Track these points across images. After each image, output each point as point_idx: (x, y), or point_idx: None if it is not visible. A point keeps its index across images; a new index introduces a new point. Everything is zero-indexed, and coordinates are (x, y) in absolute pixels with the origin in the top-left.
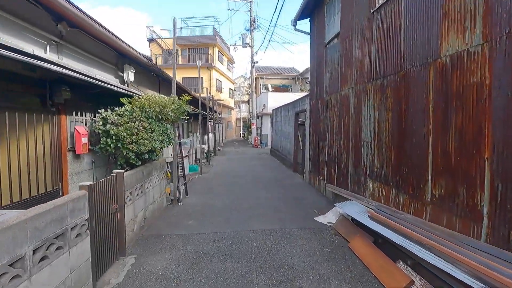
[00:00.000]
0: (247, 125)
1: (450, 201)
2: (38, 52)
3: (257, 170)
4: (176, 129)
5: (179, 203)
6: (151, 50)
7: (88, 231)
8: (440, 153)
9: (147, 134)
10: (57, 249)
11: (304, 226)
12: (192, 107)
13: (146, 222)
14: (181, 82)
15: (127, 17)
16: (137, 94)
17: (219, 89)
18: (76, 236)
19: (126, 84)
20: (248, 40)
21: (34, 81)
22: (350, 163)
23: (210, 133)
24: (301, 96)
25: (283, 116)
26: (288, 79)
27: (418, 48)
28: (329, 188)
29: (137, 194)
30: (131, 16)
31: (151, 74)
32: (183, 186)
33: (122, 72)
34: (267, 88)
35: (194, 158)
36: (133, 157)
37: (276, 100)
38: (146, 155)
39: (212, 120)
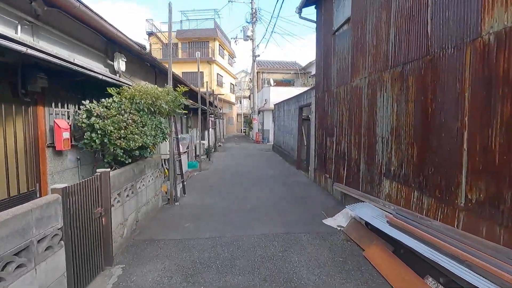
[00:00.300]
0: (248, 121)
1: (493, 208)
2: (6, 31)
3: (259, 167)
4: (173, 124)
5: (175, 203)
6: (150, 44)
7: (62, 242)
8: (479, 150)
9: (137, 128)
10: (17, 267)
11: (311, 230)
12: (191, 102)
13: (138, 225)
14: (181, 77)
15: (127, 12)
16: (127, 84)
17: (220, 84)
18: (46, 249)
19: (118, 74)
20: (249, 33)
21: (1, 66)
22: (362, 161)
23: (210, 129)
24: (304, 90)
25: (286, 111)
26: (290, 73)
27: (450, 27)
28: (337, 188)
29: (127, 195)
30: (131, 10)
31: (146, 65)
32: (181, 185)
33: (113, 61)
34: (269, 82)
35: (194, 154)
36: (121, 154)
37: (278, 94)
38: (137, 152)
39: (212, 115)
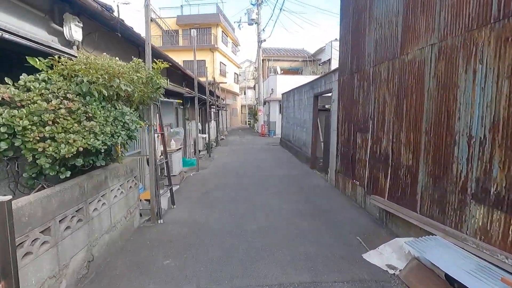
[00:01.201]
0: (253, 112)
1: None
2: None
3: (266, 165)
4: (157, 115)
5: (159, 221)
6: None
7: None
8: None
9: (77, 123)
10: None
11: (350, 275)
12: (187, 89)
13: (93, 266)
14: (182, 65)
15: None
16: (69, 55)
17: (223, 73)
18: None
19: (72, 47)
20: (254, 16)
21: None
22: (422, 170)
23: (212, 121)
24: (319, 76)
25: (296, 101)
26: (298, 60)
27: None
28: (375, 202)
29: (68, 227)
30: None
31: (124, 39)
32: (169, 193)
33: (62, 26)
34: (275, 71)
35: (193, 150)
36: (48, 165)
37: (286, 83)
38: (79, 161)
39: (214, 106)
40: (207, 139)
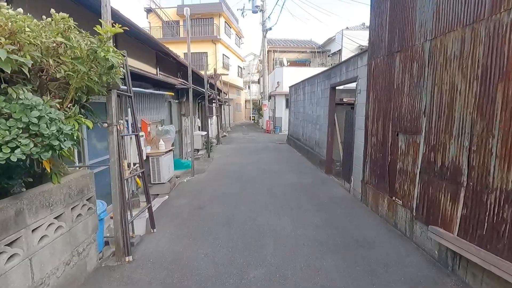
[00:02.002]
0: (257, 107)
1: None
2: None
3: (273, 168)
4: (129, 110)
5: (126, 258)
6: (149, 22)
7: None
8: None
9: None
10: None
11: None
12: (181, 81)
13: None
14: (202, 74)
15: None
16: None
17: (226, 66)
18: None
19: None
20: (259, 2)
21: None
22: None
23: (214, 116)
24: (335, 64)
25: (308, 93)
26: (306, 52)
27: None
28: (439, 238)
29: None
30: None
31: None
32: (147, 214)
33: None
34: (281, 63)
35: (192, 149)
36: None
37: (293, 76)
38: None
39: (215, 101)
40: (207, 136)
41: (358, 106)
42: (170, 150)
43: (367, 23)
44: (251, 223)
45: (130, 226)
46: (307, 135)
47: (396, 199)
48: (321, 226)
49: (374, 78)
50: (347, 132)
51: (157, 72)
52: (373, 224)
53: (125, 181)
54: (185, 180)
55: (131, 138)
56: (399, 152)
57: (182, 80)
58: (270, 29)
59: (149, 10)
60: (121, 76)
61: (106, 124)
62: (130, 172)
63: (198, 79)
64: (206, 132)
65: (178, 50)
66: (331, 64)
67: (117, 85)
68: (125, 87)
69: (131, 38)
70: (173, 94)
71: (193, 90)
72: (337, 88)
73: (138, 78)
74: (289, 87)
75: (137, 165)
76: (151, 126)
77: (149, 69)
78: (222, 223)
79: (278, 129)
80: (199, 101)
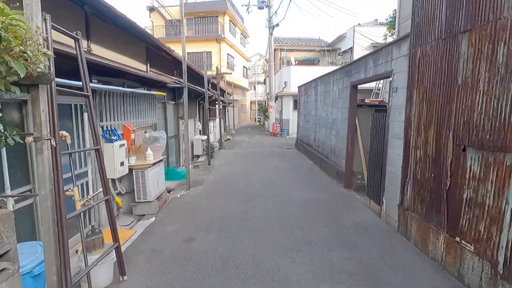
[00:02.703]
0: (263, 109)
1: None
2: None
3: (282, 180)
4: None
5: None
6: (152, 22)
7: None
8: None
9: None
10: None
11: None
12: (175, 78)
13: None
14: (202, 72)
15: None
16: None
17: (230, 66)
18: None
19: None
20: None
21: None
22: None
23: (217, 119)
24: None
25: (321, 94)
26: (315, 50)
27: None
28: None
29: None
30: None
31: None
32: (114, 256)
33: None
34: (288, 62)
35: (187, 157)
36: None
37: (301, 75)
38: None
39: (218, 102)
40: (207, 141)
41: (393, 109)
42: (159, 161)
43: (381, 19)
44: (254, 268)
45: (90, 273)
46: (320, 141)
47: (463, 242)
48: (353, 275)
49: (421, 71)
50: (375, 141)
51: (147, 69)
52: (427, 274)
53: (66, 220)
54: (178, 195)
55: (97, 152)
56: (468, 175)
57: (177, 79)
58: (277, 25)
59: (151, 9)
60: (46, 63)
61: (31, 139)
62: (84, 204)
63: (198, 79)
64: (206, 137)
65: (180, 50)
66: (343, 63)
67: (45, 77)
68: (80, 84)
69: (112, 27)
70: (165, 94)
71: (193, 91)
72: (363, 86)
73: (118, 74)
74: (298, 87)
75: (100, 190)
76: (137, 132)
77: (137, 65)
78: (216, 268)
79: (285, 132)
80: (200, 102)
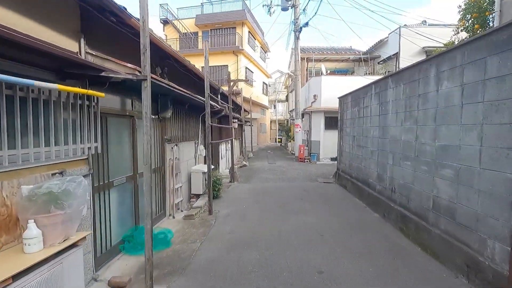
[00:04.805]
0: (285, 128)
1: None
2: None
3: (343, 271)
4: None
5: None
6: (166, 35)
7: None
8: None
9: None
10: None
11: None
12: (165, 82)
13: None
14: (200, 72)
15: None
16: None
17: (249, 82)
18: None
19: None
20: None
21: None
22: None
23: (232, 140)
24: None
25: (397, 102)
26: (348, 60)
27: None
28: None
29: None
30: None
31: None
32: None
33: None
34: (319, 73)
35: (188, 195)
36: None
37: (335, 87)
38: None
39: (230, 119)
40: (210, 175)
41: None
42: (76, 245)
43: (430, 21)
44: None
45: None
46: (399, 182)
47: None
48: None
49: None
50: None
51: (80, 49)
52: None
53: None
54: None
55: None
56: None
57: (165, 82)
58: (307, 24)
59: (165, 22)
60: None
61: None
62: None
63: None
64: (213, 166)
65: (197, 63)
66: (386, 72)
67: None
68: None
69: None
70: (103, 95)
71: (190, 101)
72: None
73: None
74: (341, 97)
75: None
76: (21, 180)
77: (54, 38)
78: None
79: (315, 157)
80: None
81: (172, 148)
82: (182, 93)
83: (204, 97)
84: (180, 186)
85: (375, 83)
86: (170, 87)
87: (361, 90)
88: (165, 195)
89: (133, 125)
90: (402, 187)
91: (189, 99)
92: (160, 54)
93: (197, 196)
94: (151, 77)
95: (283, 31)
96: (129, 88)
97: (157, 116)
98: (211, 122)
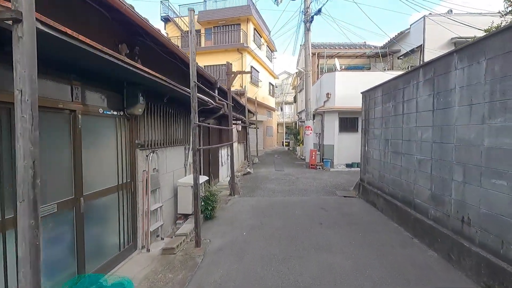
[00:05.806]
0: (293, 131)
1: None
2: None
3: None
4: None
5: None
6: (167, 33)
7: None
8: None
9: None
10: None
11: None
12: (150, 73)
13: None
14: (187, 57)
15: None
16: None
17: (254, 82)
18: None
19: None
20: None
21: None
22: None
23: (233, 144)
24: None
25: (467, 89)
26: (363, 55)
27: None
28: None
29: None
30: None
31: None
32: None
33: None
34: (333, 69)
35: (174, 216)
36: None
37: (350, 85)
38: None
39: (230, 120)
40: (198, 192)
41: None
42: None
43: (456, 10)
44: None
45: None
46: (489, 214)
47: None
48: None
49: None
50: None
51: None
52: None
53: None
54: None
55: None
56: None
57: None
58: (319, 11)
59: (166, 20)
60: None
61: None
62: None
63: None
64: (207, 177)
65: (201, 63)
66: (408, 67)
67: None
68: None
69: None
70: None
71: (182, 97)
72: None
73: None
74: (364, 92)
75: None
76: None
77: None
78: None
79: (328, 163)
80: (201, 118)
81: (147, 156)
82: (159, 81)
83: (207, 93)
84: (160, 206)
85: (424, 65)
86: (134, 69)
87: (399, 79)
88: (135, 221)
89: (74, 124)
90: (487, 220)
91: (172, 90)
92: (128, 27)
93: (186, 216)
94: (40, 20)
95: (291, 34)
96: (65, 65)
97: (122, 113)
98: (207, 123)
